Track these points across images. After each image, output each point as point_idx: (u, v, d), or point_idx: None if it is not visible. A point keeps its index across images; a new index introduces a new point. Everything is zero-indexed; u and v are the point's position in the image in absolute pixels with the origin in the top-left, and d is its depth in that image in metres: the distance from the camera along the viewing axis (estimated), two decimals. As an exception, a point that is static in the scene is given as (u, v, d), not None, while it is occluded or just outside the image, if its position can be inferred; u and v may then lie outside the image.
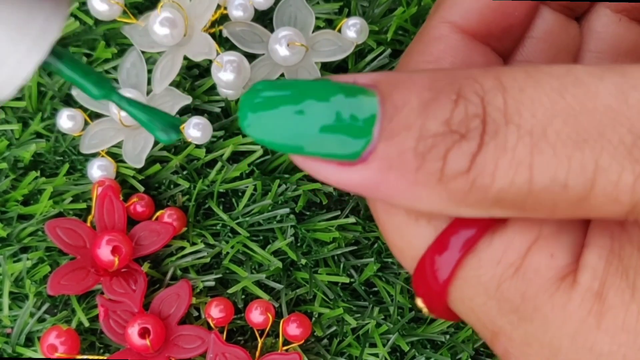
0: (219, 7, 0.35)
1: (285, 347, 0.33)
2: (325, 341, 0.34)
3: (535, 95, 0.16)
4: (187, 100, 0.34)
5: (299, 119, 0.16)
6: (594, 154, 0.15)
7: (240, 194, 0.35)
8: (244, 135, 0.35)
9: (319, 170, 0.17)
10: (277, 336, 0.33)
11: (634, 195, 0.15)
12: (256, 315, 0.33)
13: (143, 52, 0.35)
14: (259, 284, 0.34)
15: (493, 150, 0.16)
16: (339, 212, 0.35)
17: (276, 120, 0.16)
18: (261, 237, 0.34)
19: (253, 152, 0.34)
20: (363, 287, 0.34)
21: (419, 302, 0.19)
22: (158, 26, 0.33)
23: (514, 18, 0.21)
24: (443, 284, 0.18)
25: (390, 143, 0.16)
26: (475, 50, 0.21)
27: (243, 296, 0.34)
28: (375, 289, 0.34)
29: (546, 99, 0.16)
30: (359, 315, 0.34)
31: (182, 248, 0.34)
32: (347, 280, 0.34)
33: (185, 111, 0.35)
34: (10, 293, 0.33)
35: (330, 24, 0.36)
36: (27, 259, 0.33)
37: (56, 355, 0.31)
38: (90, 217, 0.33)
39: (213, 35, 0.35)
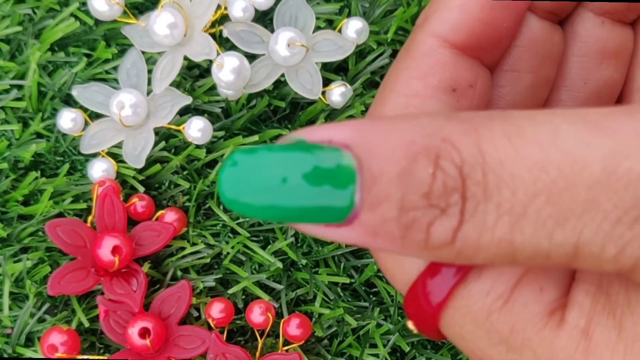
0: (219, 7, 0.35)
1: (285, 348, 0.33)
2: (325, 341, 0.34)
3: (516, 170, 0.15)
4: (187, 100, 0.34)
5: (281, 193, 0.16)
6: (576, 232, 0.15)
7: (240, 194, 0.35)
8: (245, 136, 0.35)
9: (308, 231, 0.17)
10: (278, 336, 0.33)
11: (617, 265, 0.15)
12: (256, 316, 0.33)
13: (143, 53, 0.35)
14: (259, 284, 0.34)
15: (473, 228, 0.16)
16: (339, 213, 0.35)
17: (259, 196, 0.16)
18: (261, 238, 0.34)
19: (253, 152, 0.34)
20: (363, 288, 0.34)
21: (410, 325, 0.19)
22: (158, 26, 0.33)
23: (503, 29, 0.21)
24: (435, 309, 0.18)
25: (372, 213, 0.16)
26: (463, 64, 0.20)
27: (243, 296, 0.34)
28: (376, 289, 0.34)
29: (528, 176, 0.15)
30: (359, 315, 0.34)
31: (183, 248, 0.34)
32: (347, 280, 0.34)
33: (186, 111, 0.35)
34: (11, 293, 0.33)
35: (330, 24, 0.36)
36: (28, 259, 0.33)
37: (56, 355, 0.31)
38: (90, 218, 0.33)
39: (213, 36, 0.35)
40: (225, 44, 0.36)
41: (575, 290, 0.17)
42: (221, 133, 0.35)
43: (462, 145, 0.16)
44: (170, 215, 0.34)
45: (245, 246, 0.34)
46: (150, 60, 0.35)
